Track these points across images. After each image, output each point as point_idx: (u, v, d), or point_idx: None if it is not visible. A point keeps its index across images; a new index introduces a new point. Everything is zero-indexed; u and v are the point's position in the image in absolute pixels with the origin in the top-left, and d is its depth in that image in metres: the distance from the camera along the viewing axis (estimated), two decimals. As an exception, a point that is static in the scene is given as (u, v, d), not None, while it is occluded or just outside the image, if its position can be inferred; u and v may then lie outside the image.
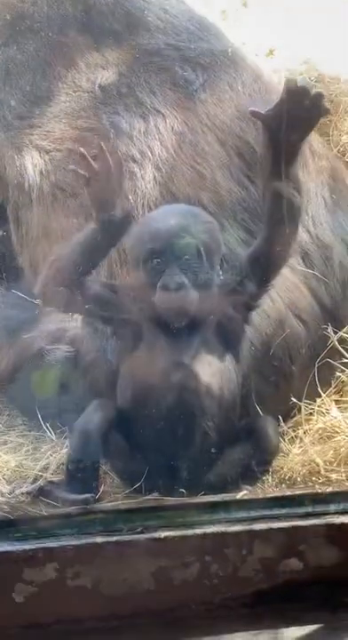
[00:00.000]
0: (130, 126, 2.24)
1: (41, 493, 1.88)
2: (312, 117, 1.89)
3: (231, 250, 2.03)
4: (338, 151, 2.79)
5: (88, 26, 2.41)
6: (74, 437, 1.97)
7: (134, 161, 2.20)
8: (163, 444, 1.91)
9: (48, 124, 2.32)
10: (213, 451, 1.93)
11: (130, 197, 2.16)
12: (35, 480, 1.96)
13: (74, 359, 2.13)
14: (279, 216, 1.90)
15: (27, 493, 1.87)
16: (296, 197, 1.91)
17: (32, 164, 2.29)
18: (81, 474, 1.92)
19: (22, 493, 1.89)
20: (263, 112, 1.86)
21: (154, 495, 1.88)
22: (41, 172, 2.28)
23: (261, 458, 1.97)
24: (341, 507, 1.80)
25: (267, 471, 1.98)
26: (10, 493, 1.89)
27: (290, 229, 1.93)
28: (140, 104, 2.27)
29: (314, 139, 2.32)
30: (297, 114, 1.85)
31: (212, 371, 1.93)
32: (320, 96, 1.85)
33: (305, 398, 2.09)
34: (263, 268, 1.95)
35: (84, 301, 1.94)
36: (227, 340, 1.97)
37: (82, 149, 1.95)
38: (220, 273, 1.94)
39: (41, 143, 2.30)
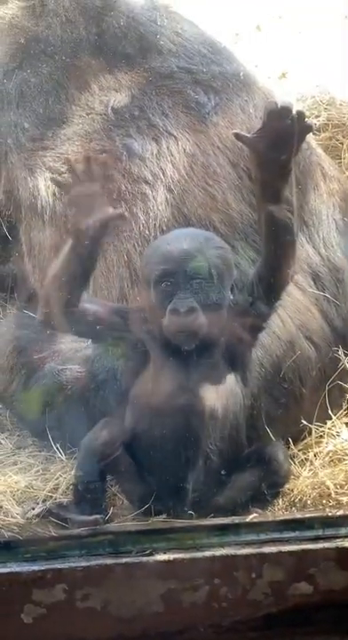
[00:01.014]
0: (142, 148, 2.25)
1: (50, 514, 1.89)
2: (297, 136, 1.89)
3: (242, 272, 2.03)
4: (348, 170, 2.82)
5: (101, 49, 2.42)
6: (80, 455, 1.97)
7: (146, 183, 2.21)
8: (171, 466, 1.91)
9: (61, 146, 2.33)
10: (222, 473, 1.93)
11: (139, 215, 2.17)
12: (45, 501, 1.96)
13: (84, 379, 2.13)
14: (274, 237, 1.91)
15: (37, 515, 1.87)
16: (289, 218, 1.90)
17: (45, 186, 2.30)
18: (89, 494, 1.93)
19: (33, 516, 1.89)
20: (248, 135, 1.89)
21: (163, 517, 1.88)
22: (53, 194, 2.29)
23: (272, 482, 1.96)
24: (352, 530, 1.80)
25: (278, 495, 1.98)
26: (22, 516, 1.89)
27: (288, 249, 1.92)
28: (153, 126, 2.28)
29: (325, 161, 2.34)
30: (281, 134, 1.86)
31: (219, 394, 1.92)
32: (301, 114, 1.87)
33: (316, 421, 2.09)
34: (267, 288, 1.95)
35: (87, 323, 1.94)
36: (235, 363, 1.96)
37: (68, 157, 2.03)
38: (231, 297, 1.93)
39: (54, 165, 2.31)
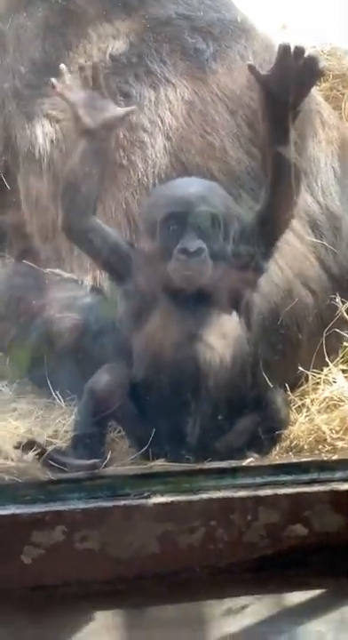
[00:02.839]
0: (140, 96, 2.23)
1: (49, 459, 1.87)
2: (309, 78, 1.89)
3: (240, 219, 2.00)
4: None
5: None
6: (82, 400, 1.98)
7: (144, 130, 2.19)
8: (173, 411, 1.92)
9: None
10: (221, 418, 1.94)
11: (138, 161, 2.16)
12: (45, 445, 1.96)
13: (83, 327, 2.13)
14: (280, 179, 1.90)
15: (37, 456, 1.86)
16: (297, 160, 1.91)
17: (43, 133, 2.29)
18: (88, 439, 1.93)
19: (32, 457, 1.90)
20: (260, 71, 1.87)
21: (162, 461, 1.89)
22: (51, 141, 2.28)
23: (269, 427, 1.97)
24: (346, 474, 1.81)
25: (276, 441, 1.98)
26: (18, 447, 1.88)
27: (292, 190, 1.92)
28: (151, 74, 2.26)
29: (325, 109, 2.32)
30: (293, 74, 1.85)
31: (226, 341, 1.93)
32: (314, 58, 1.86)
33: (313, 367, 2.09)
34: (267, 231, 1.95)
35: (95, 241, 1.96)
36: (239, 307, 1.97)
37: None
38: (233, 245, 1.94)
39: (52, 112, 2.29)
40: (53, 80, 2.00)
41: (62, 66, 2.00)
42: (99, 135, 1.96)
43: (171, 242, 1.88)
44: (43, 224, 2.32)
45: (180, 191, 1.96)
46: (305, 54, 1.85)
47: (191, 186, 1.98)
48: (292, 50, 1.84)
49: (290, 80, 1.85)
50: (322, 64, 1.90)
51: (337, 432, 1.97)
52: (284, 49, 1.84)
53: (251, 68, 1.87)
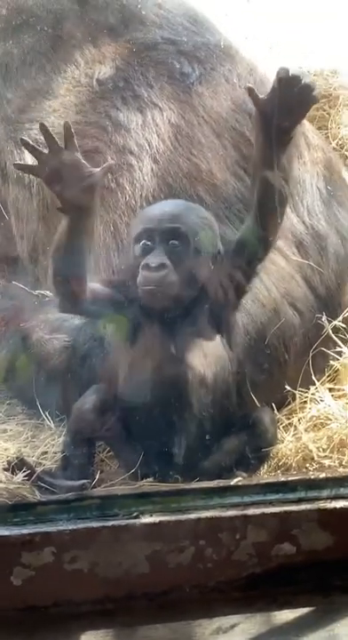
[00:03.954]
0: (127, 119, 2.25)
1: (38, 480, 1.88)
2: (303, 105, 1.90)
3: (225, 239, 2.02)
4: (336, 144, 2.80)
5: (84, 20, 2.42)
6: (70, 420, 1.99)
7: (132, 153, 2.21)
8: (159, 431, 1.93)
9: (47, 119, 2.30)
10: (208, 438, 1.94)
11: (124, 183, 2.17)
12: (34, 466, 1.96)
13: (71, 348, 2.14)
14: (267, 203, 1.91)
15: (26, 477, 1.87)
16: (284, 186, 1.92)
17: (32, 159, 2.25)
18: (77, 460, 1.94)
19: (22, 478, 1.90)
20: (258, 95, 1.87)
21: (150, 481, 1.89)
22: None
23: (257, 446, 1.97)
24: (333, 492, 1.81)
25: (264, 459, 1.99)
26: (8, 470, 1.89)
27: (278, 217, 1.93)
28: (137, 97, 2.27)
29: (310, 130, 2.33)
30: (289, 101, 1.86)
31: (207, 361, 1.93)
32: (309, 85, 1.87)
33: (300, 386, 2.10)
34: (250, 254, 1.96)
35: (94, 304, 1.94)
36: (220, 326, 1.97)
37: (24, 139, 1.94)
38: (212, 265, 1.94)
39: (40, 138, 2.27)
40: (23, 140, 1.93)
41: (67, 123, 1.87)
42: (81, 206, 1.86)
43: (142, 257, 1.90)
44: (32, 247, 2.33)
45: (154, 209, 2.00)
46: (302, 82, 1.85)
47: (168, 206, 2.01)
48: (289, 77, 1.84)
49: (286, 105, 1.86)
50: (317, 92, 1.92)
51: (324, 450, 1.98)
52: (282, 76, 1.85)
53: (250, 91, 1.87)
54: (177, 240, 1.90)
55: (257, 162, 1.92)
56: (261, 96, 1.87)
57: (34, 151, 1.88)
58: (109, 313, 1.98)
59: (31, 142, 1.91)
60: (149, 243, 1.90)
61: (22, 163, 2.04)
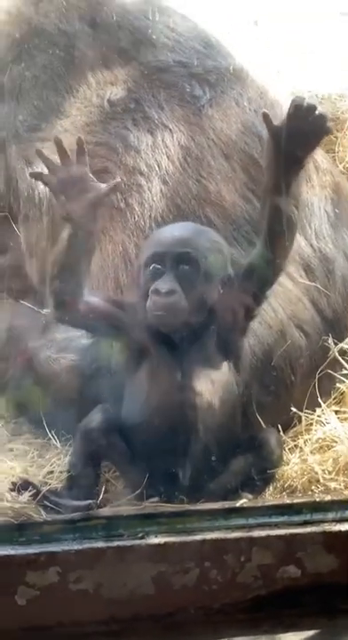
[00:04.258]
0: (138, 140, 2.26)
1: (44, 499, 1.88)
2: (316, 135, 1.90)
3: (234, 261, 2.01)
4: (344, 167, 2.80)
5: (97, 41, 2.43)
6: (75, 440, 1.99)
7: (141, 174, 2.22)
8: (165, 453, 1.92)
9: (60, 135, 2.32)
10: (214, 459, 1.94)
11: (134, 205, 2.18)
12: (40, 486, 1.95)
13: (79, 368, 2.15)
14: (277, 228, 1.91)
15: (32, 497, 1.87)
16: (294, 213, 1.91)
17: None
18: (83, 480, 1.94)
19: (27, 499, 1.89)
20: (273, 122, 1.87)
21: (155, 502, 1.88)
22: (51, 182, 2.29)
23: (263, 468, 1.97)
24: (338, 515, 1.81)
25: (270, 481, 1.98)
26: (14, 490, 1.89)
27: (287, 242, 1.93)
28: (148, 119, 2.28)
29: (318, 154, 2.33)
30: (302, 130, 1.86)
31: (214, 387, 1.93)
32: (323, 116, 1.87)
33: (306, 408, 2.10)
34: (259, 280, 1.95)
35: (92, 319, 1.94)
36: (228, 351, 1.97)
37: (39, 149, 1.97)
38: (221, 290, 1.93)
39: (51, 156, 2.31)
40: (38, 148, 1.97)
41: (80, 139, 1.91)
42: (82, 219, 1.88)
43: (152, 281, 1.89)
44: (41, 265, 2.33)
45: (165, 233, 1.99)
46: (316, 112, 1.85)
47: (177, 229, 2.00)
48: (304, 106, 1.84)
49: (300, 134, 1.86)
50: (330, 122, 1.92)
51: (330, 473, 1.97)
52: (296, 105, 1.85)
53: (265, 117, 1.87)
54: (188, 265, 1.90)
55: (268, 188, 1.92)
56: (275, 123, 1.86)
57: (46, 161, 1.92)
58: (107, 330, 1.98)
59: (45, 153, 1.93)
60: (159, 267, 1.90)
61: (37, 172, 2.04)
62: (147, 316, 1.90)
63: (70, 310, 1.93)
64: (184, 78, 2.33)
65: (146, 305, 1.89)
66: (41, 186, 2.29)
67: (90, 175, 1.89)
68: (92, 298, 1.93)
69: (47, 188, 2.22)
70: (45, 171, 1.95)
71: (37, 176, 2.01)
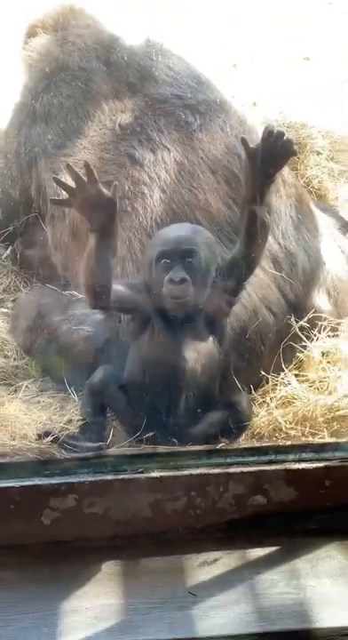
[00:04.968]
0: (142, 157, 2.22)
1: (65, 442, 1.86)
2: (284, 156, 1.88)
3: (222, 257, 1.99)
4: (304, 182, 2.79)
5: (110, 77, 2.40)
6: (84, 393, 1.97)
7: (144, 184, 2.18)
8: (161, 405, 1.90)
9: (79, 154, 2.29)
10: (199, 412, 1.92)
11: (139, 210, 2.15)
12: (61, 431, 1.93)
13: (93, 337, 2.12)
14: (253, 230, 1.89)
15: (54, 440, 1.84)
16: (267, 218, 1.89)
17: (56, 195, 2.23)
18: (94, 426, 1.92)
19: (50, 441, 1.86)
20: (249, 145, 1.84)
21: (152, 444, 1.87)
22: (72, 192, 2.27)
23: (237, 420, 1.94)
24: (297, 456, 1.80)
25: (242, 431, 1.95)
26: (39, 437, 1.86)
27: (261, 241, 1.91)
28: (150, 140, 2.25)
29: (285, 171, 2.30)
30: (273, 152, 1.84)
31: (200, 355, 1.91)
32: (290, 140, 1.85)
33: (272, 372, 2.09)
34: (239, 271, 1.93)
35: (117, 304, 1.92)
36: (214, 328, 1.95)
37: (57, 177, 1.93)
38: (214, 277, 1.92)
39: (59, 178, 2.26)
40: (56, 178, 1.92)
41: (86, 162, 1.86)
42: (104, 227, 1.83)
43: (163, 274, 1.87)
44: (64, 256, 2.31)
45: (171, 233, 1.96)
46: (285, 137, 1.83)
47: (180, 229, 1.97)
48: (275, 132, 1.82)
49: (271, 155, 1.84)
50: (295, 146, 1.90)
51: (290, 423, 1.96)
52: (268, 132, 1.82)
53: (243, 140, 1.85)
54: (192, 258, 1.88)
55: (246, 197, 1.89)
56: (251, 145, 1.84)
57: (65, 187, 1.86)
58: (125, 310, 1.96)
59: (62, 180, 1.88)
60: (169, 261, 1.87)
61: (58, 199, 2.01)
62: (162, 300, 1.87)
63: (103, 301, 1.89)
64: (179, 108, 2.30)
65: (162, 291, 1.86)
66: (64, 192, 2.23)
67: (102, 189, 1.82)
68: (117, 287, 1.89)
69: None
70: (68, 179, 1.89)
71: (60, 202, 1.97)
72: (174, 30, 2.76)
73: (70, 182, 1.85)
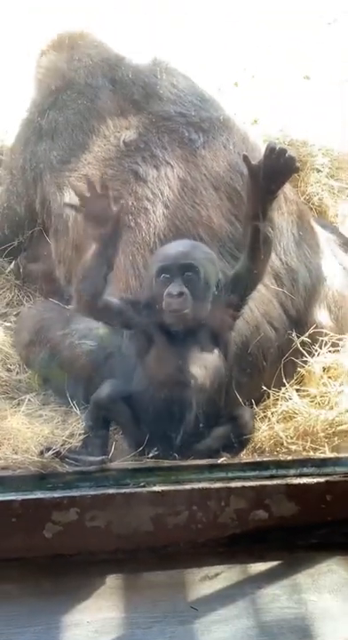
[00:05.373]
0: (145, 174, 2.24)
1: (66, 456, 1.87)
2: (286, 173, 1.89)
3: (221, 271, 2.00)
4: (304, 199, 2.80)
5: (115, 94, 2.42)
6: (89, 407, 1.98)
7: (148, 200, 2.20)
8: (164, 420, 1.91)
9: (83, 169, 2.31)
10: (201, 426, 1.93)
11: (142, 225, 2.16)
12: (62, 445, 1.94)
13: (95, 351, 2.13)
14: (256, 246, 1.90)
15: (56, 454, 1.85)
16: (270, 233, 1.91)
17: (69, 199, 2.27)
18: (96, 439, 1.93)
19: (52, 454, 1.87)
20: (252, 162, 1.86)
21: (154, 458, 1.87)
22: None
23: (239, 435, 1.95)
24: (298, 471, 1.81)
25: (244, 445, 1.96)
26: (41, 453, 1.87)
27: (264, 257, 1.93)
28: (154, 157, 2.27)
29: (287, 188, 2.32)
30: (275, 169, 1.86)
31: (206, 371, 1.92)
32: (293, 158, 1.87)
33: (273, 387, 2.09)
34: (243, 286, 1.95)
35: (109, 315, 1.93)
36: (219, 342, 1.96)
37: (73, 183, 1.97)
38: (215, 292, 1.93)
39: (77, 184, 2.29)
40: (72, 184, 1.97)
41: (97, 178, 1.92)
42: (107, 238, 1.87)
43: (163, 287, 1.89)
44: (67, 270, 2.32)
45: (170, 249, 1.98)
46: (287, 154, 1.84)
47: (179, 245, 1.99)
48: (277, 149, 1.84)
49: (273, 172, 1.85)
50: (298, 163, 1.91)
51: (292, 438, 1.97)
52: (270, 149, 1.84)
53: (245, 158, 1.86)
54: (191, 272, 1.89)
55: (249, 214, 1.91)
56: (253, 162, 1.85)
57: (79, 195, 1.90)
58: (120, 322, 1.96)
59: (79, 188, 1.92)
60: (168, 276, 1.89)
61: (71, 203, 2.04)
62: (162, 315, 1.88)
63: (89, 306, 1.91)
64: (183, 126, 2.31)
65: (162, 305, 1.87)
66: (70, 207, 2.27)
67: (112, 204, 1.86)
68: (110, 298, 1.91)
69: (73, 210, 2.23)
70: (75, 199, 1.93)
71: (72, 207, 2.00)
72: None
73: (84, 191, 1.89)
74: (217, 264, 1.98)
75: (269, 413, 2.06)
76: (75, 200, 1.94)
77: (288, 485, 1.77)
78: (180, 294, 1.86)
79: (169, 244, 2.05)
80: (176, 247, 1.98)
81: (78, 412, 2.10)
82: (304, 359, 2.14)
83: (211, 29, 3.02)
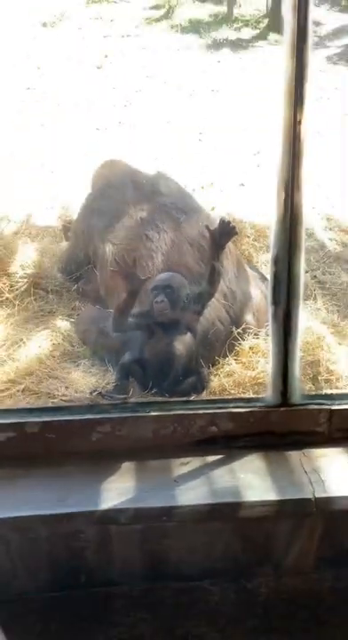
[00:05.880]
0: (152, 236, 2.22)
1: (104, 394, 1.87)
2: (231, 235, 1.93)
3: (191, 292, 2.01)
4: (240, 251, 2.74)
5: (135, 192, 2.41)
6: (118, 366, 1.99)
7: (153, 251, 2.18)
8: (159, 374, 1.92)
9: (117, 232, 2.30)
10: (180, 378, 1.94)
11: (149, 265, 2.14)
12: (103, 388, 1.94)
13: (120, 336, 2.08)
14: (212, 277, 1.94)
15: (99, 394, 1.85)
16: (220, 269, 1.95)
17: (109, 250, 2.28)
18: (121, 386, 1.92)
19: (97, 394, 1.88)
20: (210, 228, 1.90)
21: (153, 396, 1.88)
22: (112, 253, 2.27)
23: (201, 384, 1.97)
24: (235, 405, 1.75)
25: (203, 391, 1.97)
26: (91, 393, 1.87)
27: (216, 283, 1.97)
28: (157, 226, 2.25)
29: (230, 245, 2.27)
30: (224, 232, 1.90)
31: (183, 346, 1.94)
32: (234, 227, 1.91)
33: (221, 357, 2.08)
34: (203, 299, 1.98)
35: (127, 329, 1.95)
36: (190, 330, 1.98)
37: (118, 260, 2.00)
38: (185, 301, 1.95)
39: (113, 240, 2.29)
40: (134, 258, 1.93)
41: (134, 258, 1.91)
42: (135, 287, 1.88)
43: (153, 298, 1.91)
44: (105, 289, 2.30)
45: (160, 278, 1.99)
46: (231, 225, 1.90)
47: (165, 275, 2.00)
48: (225, 222, 1.89)
49: (223, 235, 1.89)
50: (236, 230, 1.95)
51: (231, 387, 1.97)
52: (222, 221, 1.90)
53: (207, 227, 1.91)
54: (169, 289, 1.92)
55: (209, 258, 1.95)
56: (212, 228, 1.88)
57: (118, 265, 1.97)
58: (136, 326, 1.96)
59: (121, 263, 1.97)
60: (156, 291, 1.91)
61: (114, 269, 2.05)
62: (154, 313, 1.91)
63: (118, 329, 1.93)
64: (173, 209, 2.30)
65: (153, 309, 1.90)
66: (108, 254, 2.25)
67: (136, 273, 1.89)
68: (129, 319, 1.92)
69: (110, 255, 2.22)
70: (110, 246, 1.96)
71: (114, 270, 2.01)
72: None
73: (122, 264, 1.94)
74: (186, 286, 1.99)
75: (219, 372, 2.05)
76: (112, 250, 1.94)
77: (229, 413, 1.74)
78: (162, 301, 1.89)
79: (160, 274, 2.05)
80: (163, 276, 1.99)
81: (111, 371, 2.08)
82: (239, 342, 2.13)
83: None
